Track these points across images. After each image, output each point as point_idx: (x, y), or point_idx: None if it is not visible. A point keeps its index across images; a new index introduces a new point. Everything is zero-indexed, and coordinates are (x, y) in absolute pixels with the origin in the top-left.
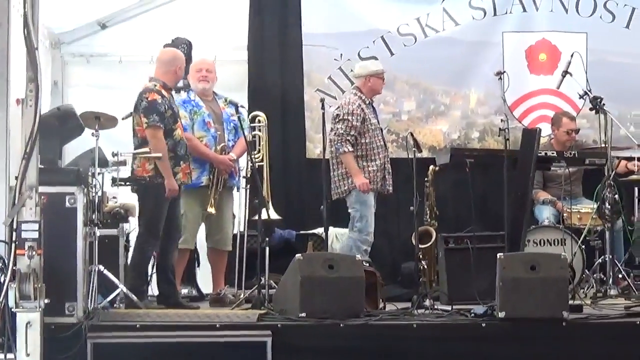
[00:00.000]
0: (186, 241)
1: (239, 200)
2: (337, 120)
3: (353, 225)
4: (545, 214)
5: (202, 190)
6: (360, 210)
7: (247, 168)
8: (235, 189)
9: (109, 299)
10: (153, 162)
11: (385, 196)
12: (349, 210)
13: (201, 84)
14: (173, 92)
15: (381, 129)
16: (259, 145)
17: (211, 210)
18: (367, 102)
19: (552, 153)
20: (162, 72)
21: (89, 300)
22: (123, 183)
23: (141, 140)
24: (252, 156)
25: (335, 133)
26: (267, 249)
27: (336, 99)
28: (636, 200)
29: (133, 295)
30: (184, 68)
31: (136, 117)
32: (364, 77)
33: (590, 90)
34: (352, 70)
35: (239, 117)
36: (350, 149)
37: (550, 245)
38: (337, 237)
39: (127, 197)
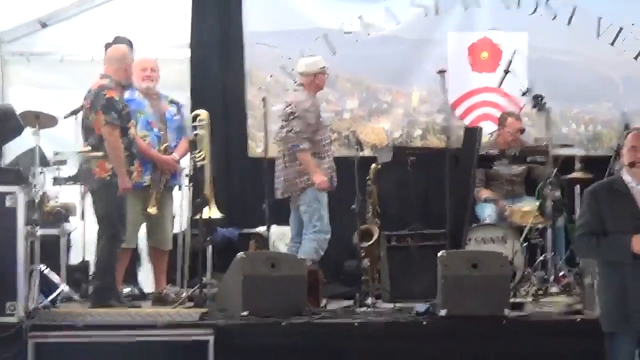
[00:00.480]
0: (127, 241)
1: (181, 199)
2: (292, 117)
3: (312, 225)
4: (487, 212)
5: (143, 190)
6: (318, 208)
7: (189, 166)
8: (177, 187)
9: (50, 298)
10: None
11: (328, 194)
12: (302, 209)
13: (145, 82)
14: None
15: (327, 126)
16: (201, 144)
17: (152, 210)
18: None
19: (494, 151)
20: (114, 70)
21: (30, 299)
22: (64, 182)
23: (98, 138)
24: (194, 155)
25: (291, 131)
26: (210, 247)
27: (278, 97)
28: (577, 198)
29: (75, 295)
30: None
31: (92, 115)
32: (312, 75)
33: (531, 89)
34: (293, 70)
35: (180, 118)
36: (308, 146)
37: (492, 243)
38: (279, 236)
39: (68, 196)
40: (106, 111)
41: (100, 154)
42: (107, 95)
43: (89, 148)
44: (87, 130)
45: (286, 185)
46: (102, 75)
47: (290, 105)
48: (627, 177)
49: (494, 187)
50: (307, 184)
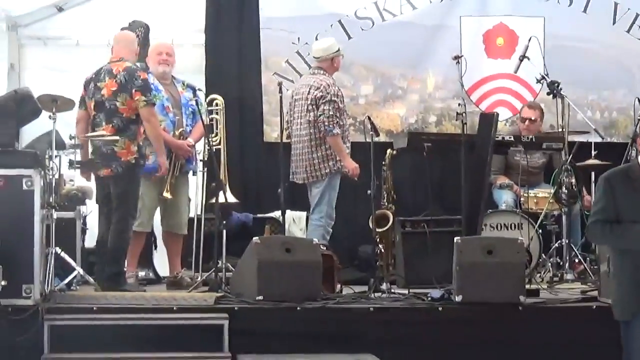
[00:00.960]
0: (142, 224)
1: (196, 184)
2: (323, 101)
3: (323, 209)
4: (503, 198)
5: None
6: (331, 195)
7: (204, 151)
8: (191, 172)
9: (65, 281)
10: (137, 143)
11: (342, 179)
12: (317, 191)
13: (161, 67)
14: None
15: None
16: (217, 129)
17: (167, 195)
18: None
19: (510, 137)
20: (128, 52)
21: (46, 282)
22: (84, 168)
23: (126, 120)
24: (210, 139)
25: (322, 115)
26: (225, 232)
27: (293, 82)
28: (593, 185)
29: (90, 278)
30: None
31: (123, 96)
32: (330, 59)
33: (547, 75)
34: (309, 55)
35: (196, 101)
36: (340, 131)
37: (507, 229)
38: (295, 221)
39: (84, 180)
40: (144, 92)
41: (110, 137)
42: (141, 77)
43: (106, 133)
44: (110, 112)
45: (311, 170)
46: (117, 58)
47: (318, 88)
48: None
49: (511, 175)
50: (334, 169)
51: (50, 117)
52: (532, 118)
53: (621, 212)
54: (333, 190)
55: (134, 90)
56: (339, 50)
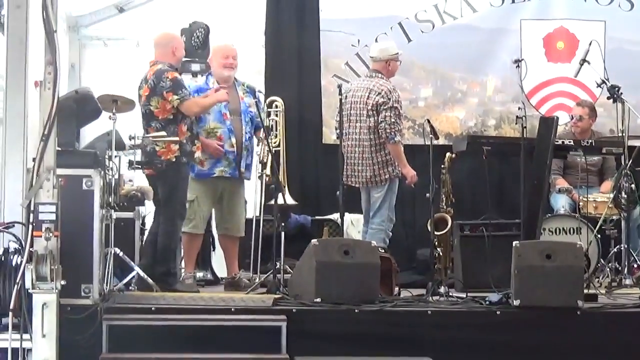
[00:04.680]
0: (196, 227)
1: (255, 185)
2: (385, 107)
3: (384, 214)
4: (561, 202)
5: (215, 180)
6: (392, 199)
7: (262, 152)
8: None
9: (124, 281)
10: (178, 142)
11: (401, 182)
12: (377, 196)
13: (226, 70)
14: (190, 77)
15: None
16: (276, 131)
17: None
18: None
19: (569, 142)
20: (160, 54)
21: (105, 282)
22: (140, 167)
23: (163, 122)
24: (269, 141)
25: (386, 122)
26: (283, 233)
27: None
28: None
29: (148, 278)
30: (182, 49)
31: (155, 99)
32: (384, 61)
33: (607, 79)
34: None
35: (256, 103)
36: (400, 138)
37: (566, 234)
38: (353, 223)
39: (143, 180)
40: (175, 90)
41: (171, 138)
42: (169, 77)
43: (159, 133)
44: (148, 117)
45: (371, 175)
46: (151, 62)
47: (379, 94)
48: None
49: (570, 175)
50: (392, 175)
51: (110, 117)
52: (580, 115)
53: None
54: (393, 194)
55: (164, 92)
56: (397, 54)
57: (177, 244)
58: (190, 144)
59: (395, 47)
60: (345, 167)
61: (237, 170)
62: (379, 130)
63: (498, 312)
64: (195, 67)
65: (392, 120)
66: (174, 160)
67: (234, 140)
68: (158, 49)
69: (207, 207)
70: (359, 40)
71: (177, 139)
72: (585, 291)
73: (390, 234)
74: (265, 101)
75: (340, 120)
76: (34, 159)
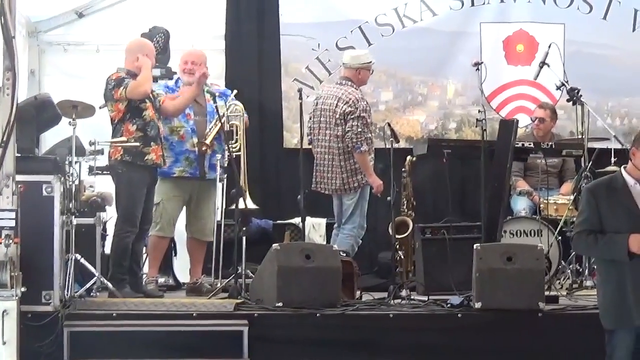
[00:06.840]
0: (162, 229)
1: (217, 190)
2: (352, 116)
3: (355, 220)
4: (522, 204)
5: (179, 180)
6: (363, 206)
7: (223, 158)
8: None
9: (85, 287)
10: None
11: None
12: (349, 203)
13: (185, 76)
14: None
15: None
16: (236, 135)
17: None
18: None
19: (529, 144)
20: (127, 62)
21: (66, 288)
22: (100, 172)
23: (115, 124)
24: (230, 146)
25: (350, 131)
26: (244, 238)
27: (313, 89)
28: None
29: (110, 284)
30: (154, 55)
31: (110, 104)
32: (355, 69)
33: (567, 82)
34: (329, 61)
35: (216, 107)
36: (367, 148)
37: (527, 236)
38: (314, 227)
39: (104, 186)
40: (119, 85)
41: (130, 144)
42: (113, 77)
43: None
44: (112, 122)
45: (340, 184)
46: (118, 68)
47: (347, 102)
48: (627, 176)
49: (530, 177)
50: (362, 183)
51: (70, 123)
52: (542, 118)
53: (605, 223)
54: (365, 200)
55: (112, 94)
56: (369, 63)
57: (123, 248)
58: (142, 144)
59: (368, 56)
60: (314, 173)
61: (198, 171)
62: (346, 139)
63: (460, 315)
64: (156, 72)
65: (359, 129)
66: (118, 158)
67: (195, 140)
68: (125, 56)
69: (174, 210)
70: (319, 45)
71: (136, 144)
72: (547, 293)
73: (360, 241)
74: (225, 105)
75: (301, 124)
76: None
